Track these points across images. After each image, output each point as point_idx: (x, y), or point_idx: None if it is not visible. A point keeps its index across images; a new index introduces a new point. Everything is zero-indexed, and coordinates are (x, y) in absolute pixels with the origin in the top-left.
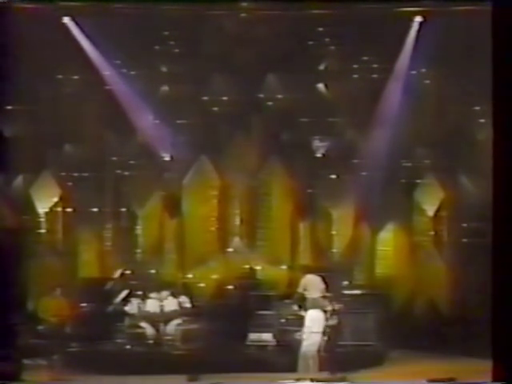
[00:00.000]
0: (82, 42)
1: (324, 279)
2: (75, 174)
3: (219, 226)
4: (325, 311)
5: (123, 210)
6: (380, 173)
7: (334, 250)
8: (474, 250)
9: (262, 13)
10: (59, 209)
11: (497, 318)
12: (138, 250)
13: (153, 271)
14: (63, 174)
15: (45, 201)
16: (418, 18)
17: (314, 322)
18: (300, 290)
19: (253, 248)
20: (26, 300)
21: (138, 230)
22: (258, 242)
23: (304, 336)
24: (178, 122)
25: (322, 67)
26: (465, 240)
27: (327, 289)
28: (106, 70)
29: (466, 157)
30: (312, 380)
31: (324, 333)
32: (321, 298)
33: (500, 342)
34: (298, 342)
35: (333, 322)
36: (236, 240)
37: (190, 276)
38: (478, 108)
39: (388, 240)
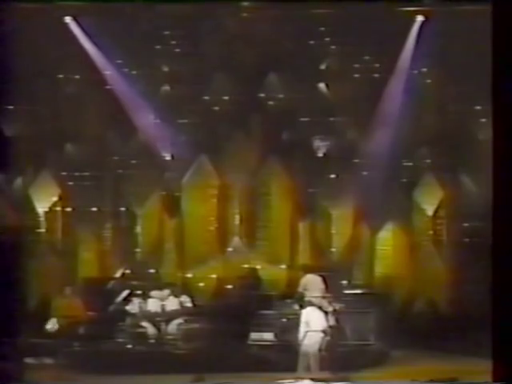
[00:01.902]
0: (83, 42)
1: (324, 279)
2: (75, 174)
3: (219, 226)
4: (325, 311)
5: (123, 209)
6: (380, 172)
7: (334, 250)
8: (473, 249)
9: (263, 12)
10: (59, 208)
11: (497, 318)
12: (138, 250)
13: (152, 271)
14: (63, 173)
15: (45, 200)
16: (419, 18)
17: (313, 320)
18: (300, 289)
19: (252, 247)
20: (26, 300)
21: (138, 229)
22: (257, 242)
23: (303, 335)
24: (179, 121)
25: (323, 67)
26: (464, 239)
27: (327, 289)
28: (107, 70)
29: (467, 156)
30: (314, 380)
31: (324, 331)
32: (321, 298)
33: (500, 342)
34: (300, 342)
35: (332, 321)
36: (236, 239)
37: (189, 275)
38: (479, 107)
39: (387, 239)
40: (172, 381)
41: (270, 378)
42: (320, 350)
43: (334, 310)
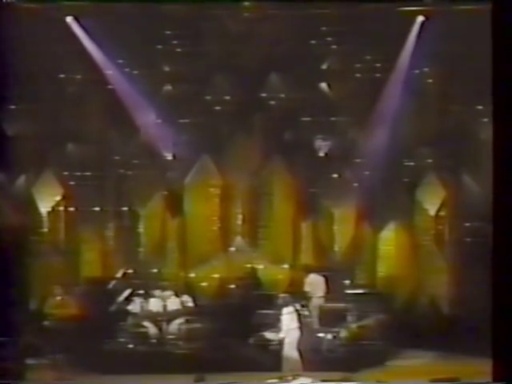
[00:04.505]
0: (84, 42)
1: (327, 279)
2: (77, 173)
3: (221, 225)
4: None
5: (125, 209)
6: (382, 172)
7: (336, 249)
8: (475, 249)
9: (264, 12)
10: (61, 208)
11: (497, 318)
12: (141, 249)
13: (155, 270)
14: (65, 173)
15: (47, 200)
16: (420, 18)
17: (289, 319)
18: (306, 289)
19: (255, 247)
20: (28, 299)
21: (140, 229)
22: (259, 241)
23: (283, 334)
24: (181, 121)
25: (324, 66)
26: (466, 239)
27: (329, 288)
28: (109, 70)
29: (469, 156)
30: (315, 379)
31: (300, 329)
32: (322, 297)
33: (500, 342)
34: (281, 340)
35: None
36: (238, 239)
37: (192, 275)
38: (480, 107)
39: (390, 239)
40: (173, 381)
41: (271, 377)
42: (298, 348)
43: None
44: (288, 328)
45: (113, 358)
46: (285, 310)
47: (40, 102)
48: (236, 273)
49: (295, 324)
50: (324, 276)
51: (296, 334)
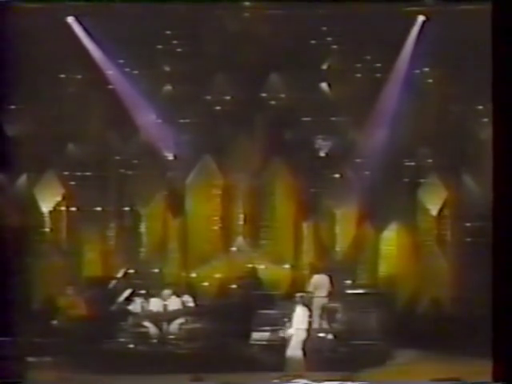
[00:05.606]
0: (85, 42)
1: (331, 279)
2: (78, 174)
3: (222, 225)
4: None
5: (127, 209)
6: (383, 172)
7: (338, 249)
8: (476, 249)
9: (264, 12)
10: (63, 208)
11: (497, 318)
12: (142, 249)
13: (156, 270)
14: (67, 173)
15: (48, 200)
16: (421, 18)
17: (297, 319)
18: (311, 289)
19: (256, 247)
20: (29, 299)
21: (142, 229)
22: (261, 241)
23: (289, 334)
24: (181, 121)
25: (324, 66)
26: (468, 239)
27: (332, 288)
28: (109, 70)
29: (469, 156)
30: (317, 379)
31: (308, 329)
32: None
33: (500, 342)
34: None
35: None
36: (239, 239)
37: (193, 275)
38: (481, 107)
39: (391, 239)
40: (173, 381)
41: (271, 377)
42: (303, 348)
43: (335, 310)
44: (297, 328)
45: (113, 358)
46: (297, 310)
47: (40, 102)
48: (237, 273)
49: (305, 324)
50: (329, 276)
51: (303, 334)
